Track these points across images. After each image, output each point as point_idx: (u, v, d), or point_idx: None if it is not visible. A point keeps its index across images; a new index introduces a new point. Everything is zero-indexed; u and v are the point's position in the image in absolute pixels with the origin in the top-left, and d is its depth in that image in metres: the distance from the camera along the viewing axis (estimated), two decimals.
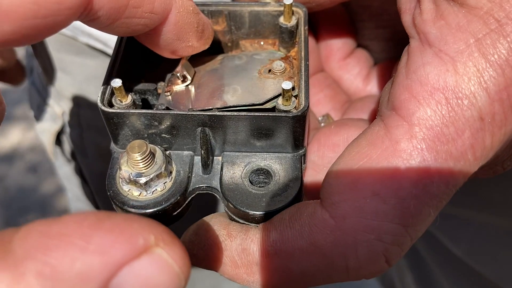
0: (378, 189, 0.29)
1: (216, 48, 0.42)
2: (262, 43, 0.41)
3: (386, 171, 0.30)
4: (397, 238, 0.30)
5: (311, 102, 0.44)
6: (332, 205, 0.30)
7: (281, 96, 0.34)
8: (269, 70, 0.38)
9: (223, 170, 0.35)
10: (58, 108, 0.76)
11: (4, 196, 2.10)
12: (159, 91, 0.38)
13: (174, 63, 0.40)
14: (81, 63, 0.68)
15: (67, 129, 0.78)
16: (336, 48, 0.46)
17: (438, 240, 0.74)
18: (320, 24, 0.46)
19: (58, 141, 0.81)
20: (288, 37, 0.39)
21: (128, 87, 0.37)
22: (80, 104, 0.73)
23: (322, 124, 0.43)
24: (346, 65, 0.46)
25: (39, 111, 0.81)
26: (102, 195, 0.81)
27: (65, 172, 0.86)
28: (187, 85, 0.38)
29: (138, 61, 0.40)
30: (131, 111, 0.33)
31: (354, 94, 0.46)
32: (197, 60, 0.40)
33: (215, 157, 0.36)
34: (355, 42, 0.47)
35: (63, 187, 0.94)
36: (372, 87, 0.46)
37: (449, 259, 0.72)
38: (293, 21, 0.39)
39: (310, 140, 0.40)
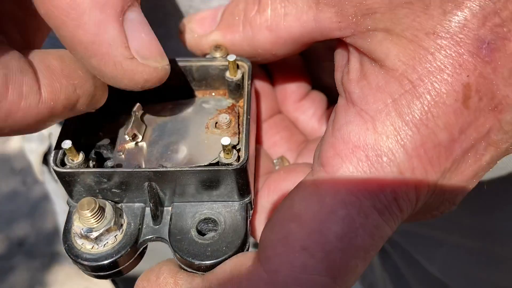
0: (306, 244, 0.31)
1: (169, 96, 0.44)
2: (213, 93, 0.43)
3: (313, 226, 0.31)
4: None
5: (268, 145, 0.46)
6: (266, 259, 0.32)
7: (222, 150, 0.36)
8: (216, 123, 0.40)
9: (172, 221, 0.37)
10: (45, 130, 0.79)
11: None
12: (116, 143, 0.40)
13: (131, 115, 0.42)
14: None
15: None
16: (291, 91, 0.48)
17: (415, 259, 0.76)
18: (274, 70, 0.48)
19: (45, 160, 0.83)
20: (235, 89, 0.41)
21: (84, 141, 0.39)
22: None
23: (277, 167, 0.44)
24: (301, 107, 0.48)
25: None
26: None
27: (53, 188, 0.88)
28: (138, 143, 0.40)
29: (94, 114, 0.42)
30: (80, 170, 0.36)
31: (310, 134, 0.48)
32: (148, 109, 0.42)
33: (165, 208, 0.38)
34: (309, 85, 0.49)
35: (52, 201, 0.95)
36: None
37: (427, 276, 0.74)
38: (239, 75, 0.41)
39: (262, 185, 0.42)
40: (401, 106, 0.30)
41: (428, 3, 0.30)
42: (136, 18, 0.31)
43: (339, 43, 0.36)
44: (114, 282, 1.04)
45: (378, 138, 0.31)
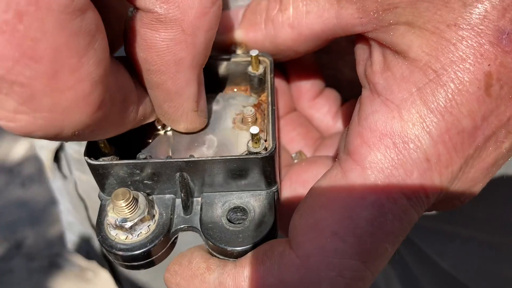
0: (337, 229, 0.32)
1: None
2: (235, 89, 0.45)
3: (343, 212, 0.33)
4: (358, 273, 0.32)
5: (285, 140, 0.48)
6: (297, 245, 0.33)
7: (251, 139, 0.38)
8: (242, 118, 0.41)
9: (203, 210, 0.39)
10: None
11: None
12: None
13: None
14: None
15: (65, 146, 0.81)
16: (305, 90, 0.49)
17: (425, 253, 0.77)
18: (289, 69, 0.49)
19: (56, 157, 0.84)
20: (257, 83, 0.43)
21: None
22: None
23: (296, 161, 0.46)
24: (315, 105, 0.50)
25: None
26: (96, 208, 0.83)
27: (59, 186, 0.89)
28: (166, 131, 0.41)
29: None
30: (114, 162, 0.37)
31: (325, 131, 0.50)
32: None
33: (195, 198, 0.39)
34: (323, 82, 0.50)
35: (56, 200, 0.96)
36: (341, 124, 0.49)
37: (437, 271, 0.75)
38: (261, 70, 0.42)
39: (283, 177, 0.43)
40: (426, 94, 0.32)
41: None
42: (203, 79, 0.36)
43: (359, 38, 0.38)
44: (119, 283, 1.04)
45: (404, 126, 0.32)
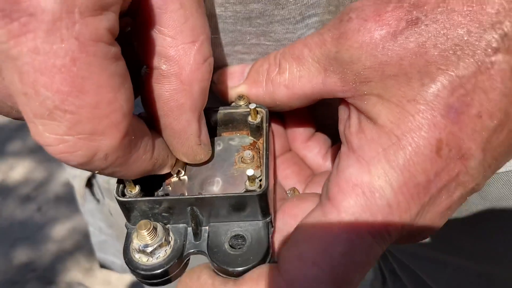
0: (316, 260, 0.40)
1: None
2: (238, 134, 0.53)
3: (322, 246, 0.40)
4: None
5: (281, 177, 0.56)
6: (284, 271, 0.41)
7: (248, 180, 0.46)
8: (242, 158, 0.50)
9: (210, 237, 0.46)
10: None
11: None
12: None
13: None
14: None
15: (97, 175, 0.88)
16: (299, 133, 0.57)
17: (422, 279, 0.84)
18: (286, 115, 0.57)
19: (89, 183, 0.92)
20: (255, 130, 0.51)
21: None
22: None
23: (289, 196, 0.54)
24: (308, 146, 0.57)
25: None
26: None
27: (91, 208, 0.96)
28: (181, 177, 0.50)
29: None
30: (137, 199, 0.45)
31: (316, 169, 0.57)
32: None
33: (203, 227, 0.47)
34: (314, 128, 0.58)
35: (86, 221, 1.04)
36: (330, 163, 0.57)
37: None
38: (258, 119, 0.50)
39: (278, 209, 0.51)
40: (389, 154, 0.39)
41: (410, 77, 0.38)
42: (203, 117, 0.44)
43: (342, 101, 0.45)
44: None
45: (372, 179, 0.39)
